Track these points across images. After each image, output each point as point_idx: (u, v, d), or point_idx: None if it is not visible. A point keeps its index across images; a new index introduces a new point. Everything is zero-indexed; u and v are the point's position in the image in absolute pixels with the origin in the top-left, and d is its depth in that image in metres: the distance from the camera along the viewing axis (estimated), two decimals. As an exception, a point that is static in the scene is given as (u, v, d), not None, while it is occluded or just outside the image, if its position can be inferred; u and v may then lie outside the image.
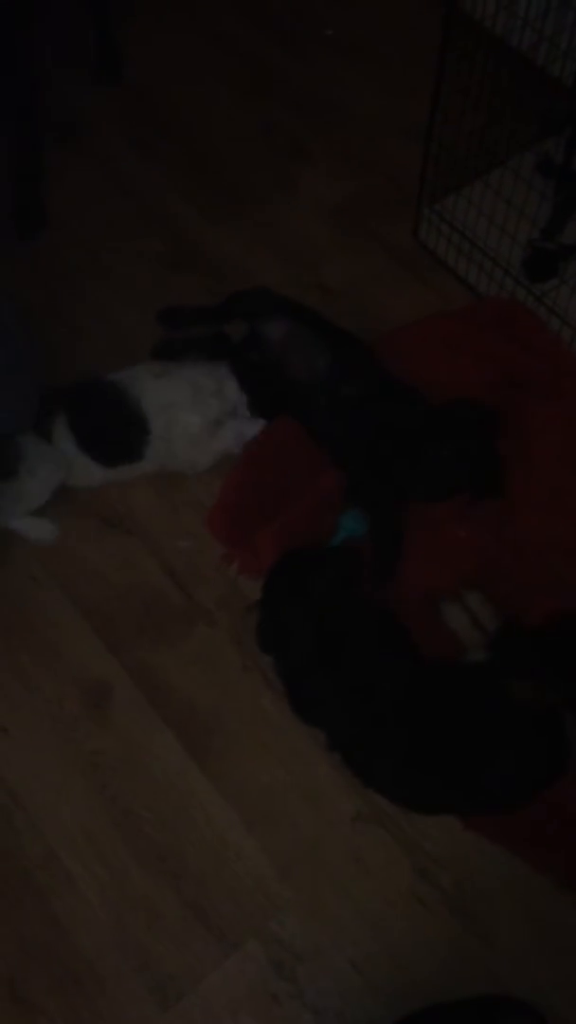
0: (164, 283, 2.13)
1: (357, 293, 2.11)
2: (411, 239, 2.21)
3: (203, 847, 1.54)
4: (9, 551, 1.79)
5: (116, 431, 1.80)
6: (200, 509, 1.83)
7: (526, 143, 2.22)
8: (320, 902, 1.50)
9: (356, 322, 1.95)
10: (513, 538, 1.82)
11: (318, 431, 1.85)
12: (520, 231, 2.02)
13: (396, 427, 1.80)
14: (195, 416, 1.82)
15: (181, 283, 2.12)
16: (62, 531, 1.80)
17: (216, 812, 1.56)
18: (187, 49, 2.56)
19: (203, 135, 2.40)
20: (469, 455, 1.80)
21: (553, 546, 1.80)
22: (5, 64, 2.04)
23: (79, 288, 2.12)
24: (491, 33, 1.95)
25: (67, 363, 1.95)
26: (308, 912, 1.50)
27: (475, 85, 1.96)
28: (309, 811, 1.57)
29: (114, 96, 2.45)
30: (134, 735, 1.63)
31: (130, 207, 2.26)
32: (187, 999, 1.43)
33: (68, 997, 1.42)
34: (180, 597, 1.76)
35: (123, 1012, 1.42)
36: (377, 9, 2.61)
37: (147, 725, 1.63)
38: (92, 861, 1.52)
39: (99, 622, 1.72)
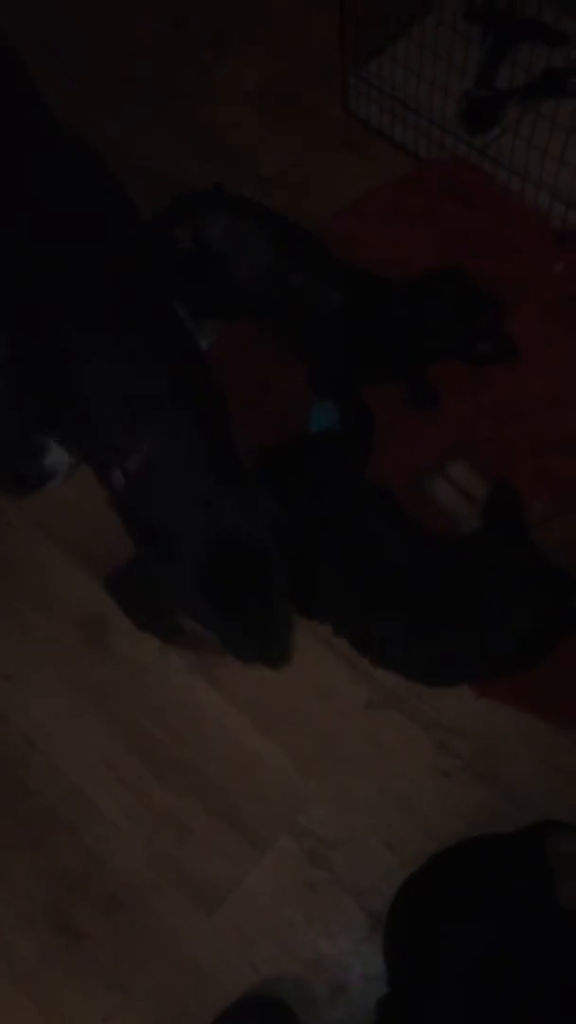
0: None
1: (296, 177, 2.02)
2: (342, 112, 2.11)
3: (222, 757, 1.54)
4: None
5: None
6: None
7: (447, -12, 2.10)
8: (345, 790, 1.51)
9: (300, 207, 1.87)
10: (489, 403, 1.77)
11: (275, 326, 1.79)
12: (452, 83, 1.92)
13: (362, 307, 1.75)
14: None
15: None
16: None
17: (229, 721, 1.56)
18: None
19: (112, 38, 2.28)
20: (457, 314, 1.73)
21: (529, 405, 1.76)
22: None
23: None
24: None
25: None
26: (335, 801, 1.50)
27: None
28: (322, 705, 1.57)
29: (10, 5, 2.32)
30: (137, 660, 1.62)
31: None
32: (229, 901, 1.45)
33: (112, 919, 1.45)
34: (161, 517, 1.73)
35: (168, 923, 1.44)
36: None
37: (148, 648, 1.62)
38: (115, 788, 1.53)
39: (83, 555, 1.70)
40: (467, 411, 1.75)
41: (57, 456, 1.70)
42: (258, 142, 2.11)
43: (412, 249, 1.91)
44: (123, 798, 1.52)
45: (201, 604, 1.38)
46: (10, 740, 1.58)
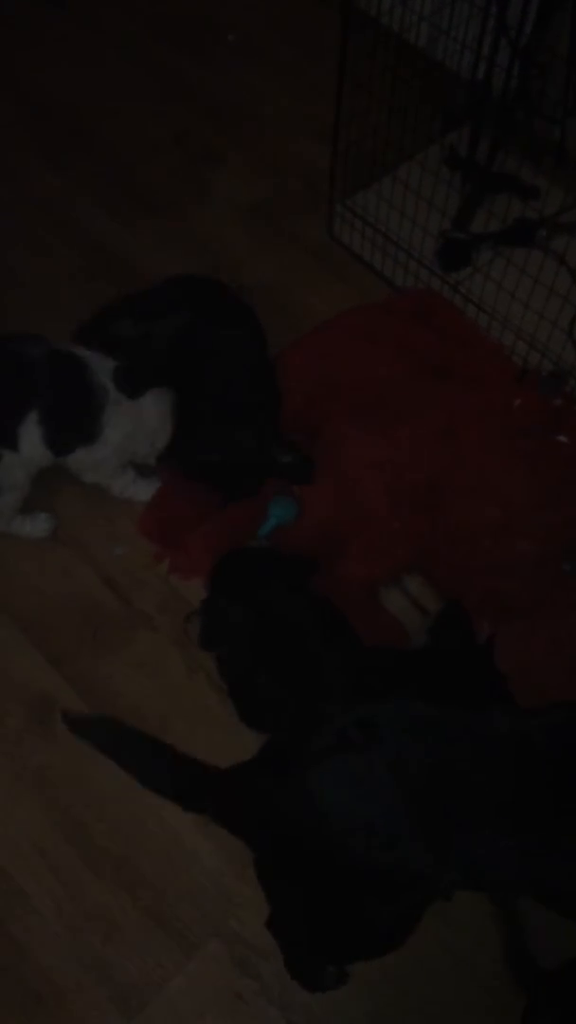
0: (85, 294, 2.11)
1: (276, 291, 2.12)
2: (326, 236, 2.24)
3: (158, 853, 1.53)
4: None
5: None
6: (133, 516, 1.82)
7: (432, 137, 2.27)
8: (279, 897, 1.50)
9: (277, 320, 1.97)
10: (446, 525, 1.85)
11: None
12: (431, 223, 2.06)
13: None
14: None
15: (100, 292, 2.10)
16: (-7, 546, 1.78)
17: (169, 816, 1.55)
18: (93, 61, 2.56)
19: (115, 145, 2.39)
20: None
21: (483, 530, 1.84)
22: None
23: (-4, 303, 2.09)
24: (389, 29, 1.98)
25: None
26: (267, 908, 1.49)
27: (377, 82, 1.99)
28: (262, 807, 1.57)
29: (23, 111, 2.44)
30: (81, 747, 1.59)
31: (44, 219, 2.24)
32: (151, 1006, 1.41)
33: (29, 1016, 1.40)
34: (119, 604, 1.74)
35: (87, 1026, 1.40)
36: (276, 12, 2.64)
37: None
38: (46, 877, 1.50)
39: (38, 635, 1.70)
40: (424, 531, 1.82)
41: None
42: (243, 254, 2.21)
43: (379, 369, 2.01)
44: (53, 888, 1.49)
45: None
46: None
